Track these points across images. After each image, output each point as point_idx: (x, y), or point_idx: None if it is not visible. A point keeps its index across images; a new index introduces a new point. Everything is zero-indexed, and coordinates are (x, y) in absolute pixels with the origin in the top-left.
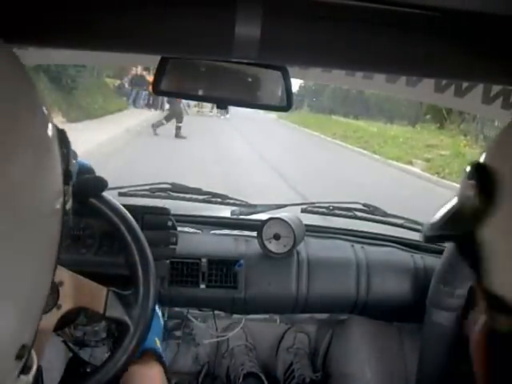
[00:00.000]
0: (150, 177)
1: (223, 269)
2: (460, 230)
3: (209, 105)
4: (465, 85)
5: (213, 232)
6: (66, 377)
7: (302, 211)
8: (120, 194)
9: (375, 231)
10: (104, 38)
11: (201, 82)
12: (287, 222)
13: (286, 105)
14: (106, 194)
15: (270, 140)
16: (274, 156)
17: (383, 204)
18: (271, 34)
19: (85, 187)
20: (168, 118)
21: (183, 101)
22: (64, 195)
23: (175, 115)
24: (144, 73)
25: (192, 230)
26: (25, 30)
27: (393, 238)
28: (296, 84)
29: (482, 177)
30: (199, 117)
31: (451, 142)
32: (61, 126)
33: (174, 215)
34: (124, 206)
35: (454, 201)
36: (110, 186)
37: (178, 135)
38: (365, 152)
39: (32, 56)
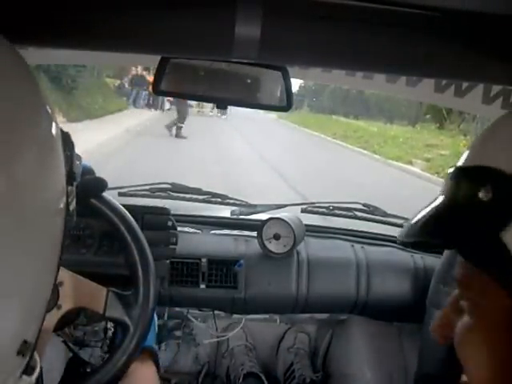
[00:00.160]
0: (150, 177)
1: (223, 269)
2: (458, 235)
3: (209, 105)
4: (465, 85)
5: (213, 232)
6: (66, 377)
7: (302, 211)
8: (120, 194)
9: (375, 231)
10: (104, 37)
11: (201, 82)
12: (287, 222)
13: (285, 105)
14: (105, 194)
15: (270, 140)
16: (274, 156)
17: (383, 204)
18: (271, 34)
19: (85, 188)
20: (181, 119)
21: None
22: (67, 196)
23: (184, 115)
24: (144, 73)
25: (192, 230)
26: (25, 30)
27: (393, 238)
28: (296, 84)
29: (500, 182)
30: (199, 117)
31: (451, 142)
32: (61, 126)
33: (174, 215)
34: (124, 206)
35: (437, 204)
36: (109, 185)
37: (178, 135)
38: (365, 152)
39: (32, 56)
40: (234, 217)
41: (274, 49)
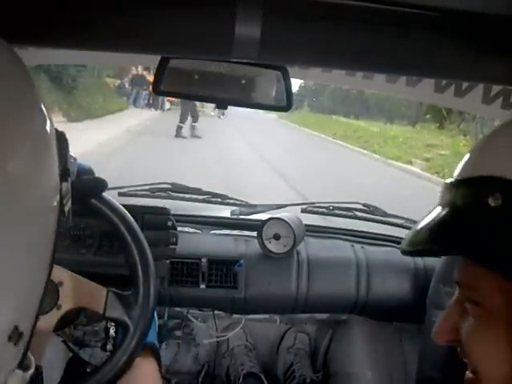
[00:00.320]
0: (150, 177)
1: (223, 269)
2: (473, 240)
3: (211, 106)
4: (465, 85)
5: (213, 232)
6: (66, 377)
7: (302, 211)
8: (120, 194)
9: (375, 231)
10: (104, 37)
11: (201, 82)
12: (287, 222)
13: (285, 105)
14: (105, 194)
15: (270, 140)
16: (274, 156)
17: (383, 204)
18: (271, 34)
19: (84, 188)
20: (194, 119)
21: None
22: (61, 193)
23: (192, 114)
24: (144, 73)
25: (192, 230)
26: (25, 30)
27: (393, 237)
28: (296, 84)
29: (507, 189)
30: (200, 116)
31: (451, 142)
32: (61, 126)
33: (174, 215)
34: (124, 206)
35: (438, 213)
36: (110, 185)
37: (178, 135)
38: (365, 152)
39: (32, 56)
40: (234, 217)
41: (274, 49)
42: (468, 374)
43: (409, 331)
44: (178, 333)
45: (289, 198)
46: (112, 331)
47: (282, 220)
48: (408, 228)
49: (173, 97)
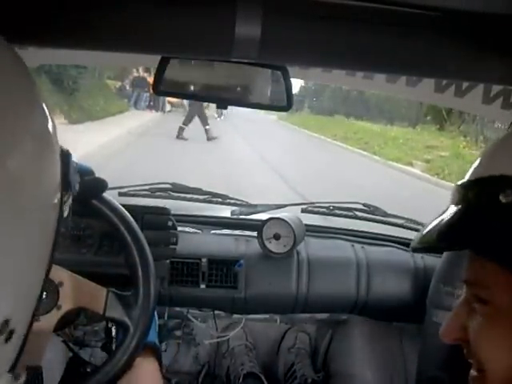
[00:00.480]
0: (151, 178)
1: (223, 269)
2: (484, 235)
3: (212, 107)
4: (465, 85)
5: (213, 232)
6: (66, 377)
7: (302, 211)
8: (120, 194)
9: (375, 231)
10: (104, 37)
11: (201, 82)
12: (287, 222)
13: (285, 105)
14: (106, 194)
15: (271, 141)
16: (274, 157)
17: (383, 205)
18: (271, 33)
19: (85, 188)
20: (204, 123)
21: (184, 101)
22: (61, 200)
23: (201, 117)
24: (145, 75)
25: (192, 230)
26: (25, 30)
27: (393, 237)
28: (296, 84)
29: None
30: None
31: (451, 144)
32: (62, 128)
33: (174, 215)
34: (124, 206)
35: (451, 212)
36: (110, 186)
37: (179, 136)
38: (365, 153)
39: (33, 56)
40: (235, 217)
41: (274, 48)
42: (473, 372)
43: (409, 331)
44: (178, 333)
45: (289, 198)
46: (114, 331)
47: (282, 220)
48: (408, 228)
49: (173, 97)
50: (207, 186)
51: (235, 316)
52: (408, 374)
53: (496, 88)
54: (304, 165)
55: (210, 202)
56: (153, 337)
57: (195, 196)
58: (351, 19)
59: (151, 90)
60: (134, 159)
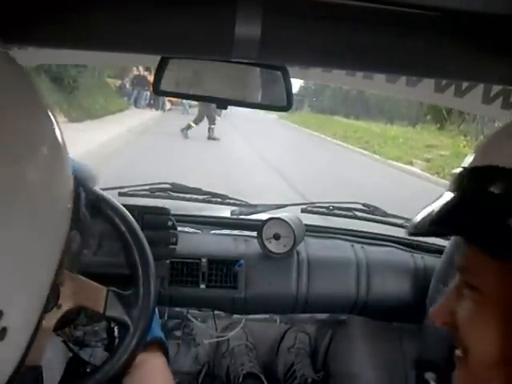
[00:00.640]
0: (150, 177)
1: (223, 269)
2: (473, 222)
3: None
4: (465, 85)
5: (213, 232)
6: (66, 377)
7: (302, 211)
8: (120, 194)
9: (375, 231)
10: (104, 37)
11: (201, 82)
12: (287, 222)
13: (286, 105)
14: (106, 193)
15: (271, 140)
16: (274, 156)
17: (383, 204)
18: (271, 33)
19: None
20: (211, 122)
21: (184, 101)
22: (74, 204)
23: (209, 117)
24: (145, 73)
25: (192, 230)
26: (25, 30)
27: (393, 237)
28: (296, 84)
29: (508, 177)
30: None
31: (451, 143)
32: (62, 126)
33: (174, 215)
34: (124, 205)
35: (445, 199)
36: (110, 186)
37: (184, 131)
38: (365, 152)
39: (32, 56)
40: (234, 217)
41: (274, 49)
42: (458, 352)
43: (409, 331)
44: (178, 333)
45: (289, 198)
46: (117, 331)
47: (282, 220)
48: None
49: (173, 97)
50: (207, 185)
51: (235, 316)
52: (408, 373)
53: (496, 88)
54: (304, 164)
55: (210, 202)
56: (158, 332)
57: (195, 196)
58: (351, 19)
59: (151, 89)
60: (134, 158)
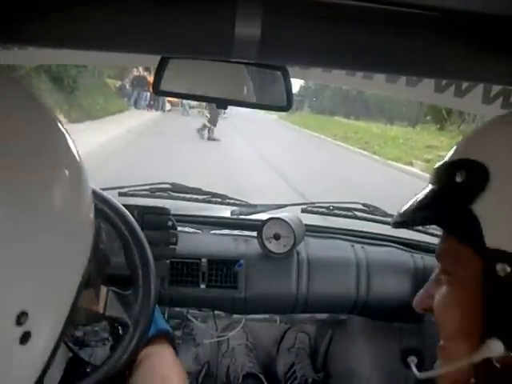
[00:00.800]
0: (150, 177)
1: (223, 269)
2: (442, 210)
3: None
4: (465, 85)
5: (213, 232)
6: (66, 377)
7: (302, 211)
8: (120, 194)
9: (375, 231)
10: (104, 37)
11: (201, 82)
12: (287, 222)
13: (285, 105)
14: (106, 193)
15: (271, 141)
16: (274, 157)
17: (383, 204)
18: (271, 33)
19: None
20: (214, 123)
21: (184, 101)
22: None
23: (216, 118)
24: (145, 74)
25: (192, 230)
26: (25, 30)
27: (393, 237)
28: (296, 84)
29: (471, 167)
30: (200, 117)
31: (451, 143)
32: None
33: (174, 215)
34: (124, 205)
35: (427, 190)
36: (110, 186)
37: (210, 137)
38: (365, 153)
39: (32, 56)
40: (234, 217)
41: (274, 49)
42: (440, 342)
43: (409, 331)
44: (178, 333)
45: (289, 198)
46: (119, 331)
47: (282, 220)
48: (408, 228)
49: (173, 97)
50: (207, 185)
51: (235, 316)
52: (408, 373)
53: (496, 88)
54: (304, 164)
55: (210, 202)
56: (162, 324)
57: (195, 196)
58: (351, 19)
59: (151, 90)
60: (134, 158)
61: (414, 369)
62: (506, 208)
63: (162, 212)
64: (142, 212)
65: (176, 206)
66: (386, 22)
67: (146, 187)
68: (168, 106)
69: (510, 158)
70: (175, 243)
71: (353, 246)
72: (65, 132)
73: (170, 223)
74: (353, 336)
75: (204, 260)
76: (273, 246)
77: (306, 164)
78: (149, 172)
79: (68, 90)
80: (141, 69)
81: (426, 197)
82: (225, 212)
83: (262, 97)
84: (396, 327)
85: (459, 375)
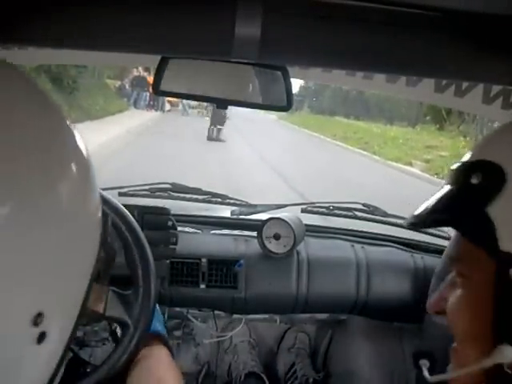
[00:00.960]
0: (150, 177)
1: (223, 269)
2: (457, 212)
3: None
4: (465, 85)
5: (213, 232)
6: (66, 377)
7: (302, 211)
8: (120, 194)
9: (375, 231)
10: (104, 37)
11: (201, 82)
12: (287, 222)
13: (285, 105)
14: (106, 193)
15: (271, 141)
16: (274, 157)
17: (383, 205)
18: (271, 33)
19: None
20: (215, 124)
21: (184, 101)
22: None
23: (223, 119)
24: (145, 74)
25: (192, 230)
26: (24, 30)
27: (393, 237)
28: (296, 84)
29: (488, 169)
30: (200, 117)
31: (451, 143)
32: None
33: (174, 215)
34: (124, 205)
35: (443, 191)
36: (110, 186)
37: (217, 138)
38: (365, 153)
39: (32, 56)
40: (234, 217)
41: (274, 49)
42: (454, 344)
43: (409, 331)
44: (178, 333)
45: (289, 198)
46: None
47: (282, 220)
48: (408, 228)
49: (172, 97)
50: (207, 185)
51: (235, 316)
52: (408, 373)
53: (496, 88)
54: (304, 164)
55: (210, 202)
56: (156, 326)
57: (195, 196)
58: (351, 19)
59: (151, 90)
60: (134, 159)
61: (426, 372)
62: None
63: (162, 212)
64: (142, 212)
65: (176, 206)
66: (385, 21)
67: (146, 187)
68: (168, 106)
69: None
70: (175, 243)
71: (353, 245)
72: (73, 130)
73: (170, 223)
74: (353, 336)
75: (204, 260)
76: (273, 246)
77: (306, 164)
78: (149, 172)
79: (68, 91)
80: (141, 69)
81: (442, 199)
82: (225, 212)
83: (262, 97)
84: (396, 327)
85: (469, 379)
